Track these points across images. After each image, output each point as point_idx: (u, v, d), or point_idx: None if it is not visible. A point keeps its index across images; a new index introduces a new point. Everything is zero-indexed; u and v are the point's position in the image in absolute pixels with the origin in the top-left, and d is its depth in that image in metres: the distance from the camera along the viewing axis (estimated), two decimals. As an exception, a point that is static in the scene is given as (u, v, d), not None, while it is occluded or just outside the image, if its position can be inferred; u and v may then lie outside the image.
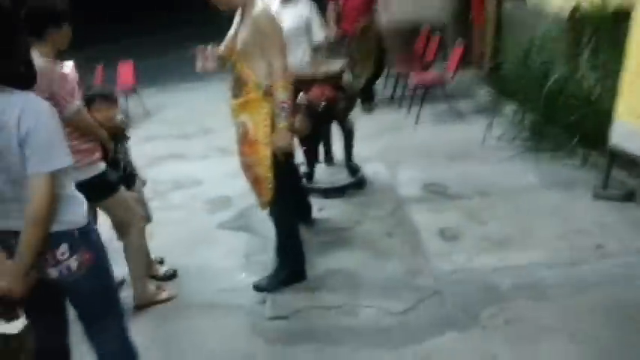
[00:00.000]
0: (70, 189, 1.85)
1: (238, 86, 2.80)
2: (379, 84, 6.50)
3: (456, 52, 5.66)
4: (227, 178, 4.49)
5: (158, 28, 16.06)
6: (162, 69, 10.31)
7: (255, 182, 2.92)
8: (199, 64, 2.88)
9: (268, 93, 2.70)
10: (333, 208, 3.82)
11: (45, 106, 1.72)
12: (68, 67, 5.78)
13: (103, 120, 2.89)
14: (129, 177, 3.10)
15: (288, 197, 2.97)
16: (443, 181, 4.08)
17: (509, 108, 5.18)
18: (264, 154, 2.77)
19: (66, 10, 2.51)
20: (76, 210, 1.83)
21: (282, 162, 2.80)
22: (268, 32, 2.64)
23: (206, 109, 6.73)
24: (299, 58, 3.97)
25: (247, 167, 2.93)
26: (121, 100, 6.95)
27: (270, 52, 2.66)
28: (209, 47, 2.91)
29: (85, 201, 1.90)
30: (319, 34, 4.10)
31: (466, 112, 5.64)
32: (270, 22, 2.68)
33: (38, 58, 2.38)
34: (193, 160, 5.37)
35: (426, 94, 5.78)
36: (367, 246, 3.29)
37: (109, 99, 2.99)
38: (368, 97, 6.07)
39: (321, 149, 4.36)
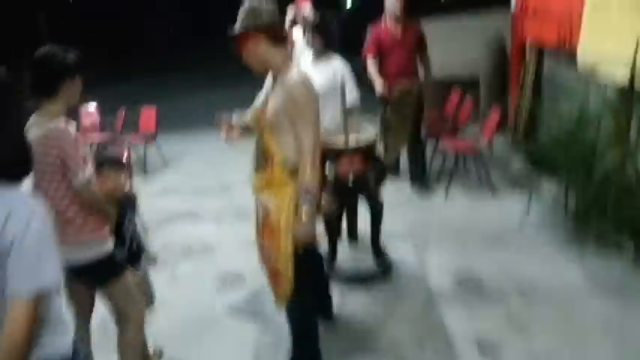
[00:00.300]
0: (57, 312, 1.53)
1: (263, 160, 2.51)
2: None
3: (492, 118, 5.31)
4: (241, 248, 4.17)
5: (189, 65, 16.15)
6: (187, 113, 10.18)
7: (273, 275, 2.61)
8: (224, 135, 2.66)
9: (294, 173, 2.40)
10: (357, 301, 3.43)
11: (38, 208, 1.41)
12: (90, 109, 5.53)
13: (111, 188, 2.63)
14: (135, 253, 2.79)
15: (308, 297, 2.65)
16: (478, 273, 3.68)
17: (548, 187, 4.79)
18: (285, 244, 2.46)
19: (78, 60, 2.35)
20: (61, 340, 1.51)
21: (304, 255, 2.48)
22: (301, 104, 2.36)
23: (226, 163, 6.47)
24: (327, 119, 3.68)
25: (265, 257, 2.62)
26: (140, 148, 6.76)
27: (301, 127, 2.37)
28: (233, 116, 2.68)
29: (72, 325, 1.58)
30: (352, 95, 3.80)
31: (500, 185, 5.26)
32: (307, 92, 2.39)
33: (47, 122, 2.22)
34: (207, 221, 5.06)
35: (457, 163, 5.44)
36: (395, 356, 2.89)
37: (118, 165, 2.73)
38: (418, 176, 5.39)
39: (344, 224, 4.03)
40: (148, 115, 6.87)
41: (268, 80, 2.63)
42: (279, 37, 2.45)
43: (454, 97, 6.45)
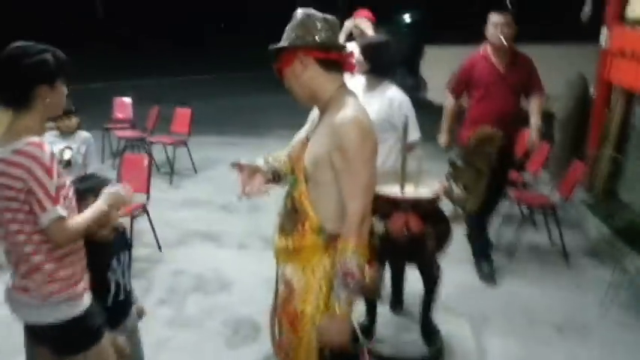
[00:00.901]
0: None
1: (291, 219, 1.86)
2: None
3: (573, 172, 4.49)
4: (262, 289, 3.52)
5: (230, 66, 15.70)
6: (225, 116, 9.66)
7: None
8: (240, 187, 1.99)
9: (332, 244, 1.76)
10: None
11: None
12: (125, 100, 4.91)
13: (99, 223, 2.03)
14: (121, 307, 2.16)
15: None
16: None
17: (634, 261, 3.96)
18: (309, 337, 1.83)
19: (59, 61, 1.75)
20: None
21: (331, 357, 1.83)
22: (352, 154, 1.68)
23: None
24: (381, 160, 2.96)
25: (281, 346, 1.97)
26: (169, 151, 6.22)
27: (347, 185, 1.71)
28: (257, 160, 2.02)
29: None
30: (413, 133, 3.08)
31: (574, 252, 4.42)
32: (361, 138, 1.69)
33: (13, 141, 1.65)
34: (228, 247, 4.44)
35: (523, 217, 4.66)
36: None
37: None
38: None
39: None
40: (182, 115, 6.34)
41: (314, 112, 1.98)
42: (335, 61, 1.79)
43: (523, 137, 5.62)
